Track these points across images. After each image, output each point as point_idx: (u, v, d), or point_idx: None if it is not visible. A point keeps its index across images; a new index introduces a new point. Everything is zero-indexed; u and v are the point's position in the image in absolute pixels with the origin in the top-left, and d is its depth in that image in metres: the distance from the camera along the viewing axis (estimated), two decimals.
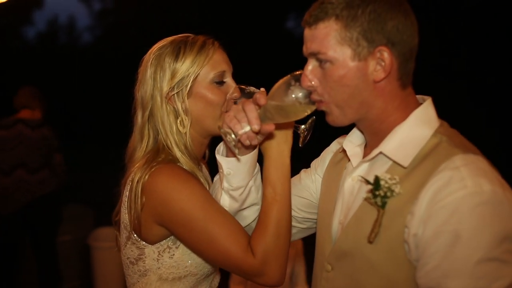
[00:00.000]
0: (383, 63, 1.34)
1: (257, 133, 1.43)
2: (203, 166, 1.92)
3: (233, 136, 1.41)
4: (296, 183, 1.79)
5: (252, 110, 1.41)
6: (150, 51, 1.77)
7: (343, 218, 1.49)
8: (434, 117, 1.42)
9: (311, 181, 1.79)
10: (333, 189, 1.60)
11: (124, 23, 16.88)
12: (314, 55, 1.39)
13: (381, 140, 1.43)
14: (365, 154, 1.54)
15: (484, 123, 10.25)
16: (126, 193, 1.71)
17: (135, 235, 1.70)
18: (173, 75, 1.71)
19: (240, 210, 1.62)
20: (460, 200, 1.21)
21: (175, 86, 1.71)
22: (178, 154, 1.71)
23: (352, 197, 1.49)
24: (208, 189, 1.73)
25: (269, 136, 1.54)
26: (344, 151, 1.61)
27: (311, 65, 1.41)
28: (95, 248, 5.06)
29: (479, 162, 1.28)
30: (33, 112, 4.75)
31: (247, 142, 1.44)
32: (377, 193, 1.34)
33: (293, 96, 1.39)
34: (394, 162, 1.38)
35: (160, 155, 1.70)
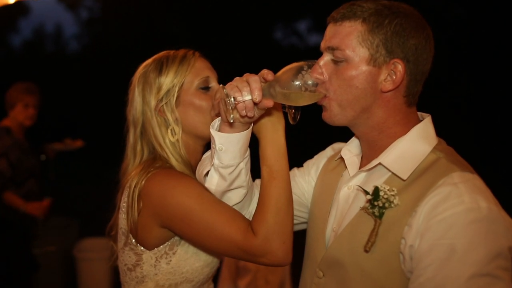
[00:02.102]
0: (394, 76, 1.38)
1: (255, 104, 1.43)
2: None
3: (232, 99, 1.41)
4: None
5: (256, 81, 1.41)
6: (136, 72, 1.83)
7: (337, 226, 1.51)
8: (433, 134, 1.47)
9: (304, 181, 1.80)
10: (328, 196, 1.62)
11: (111, 32, 16.85)
12: (332, 50, 1.42)
13: (378, 151, 1.47)
14: (361, 165, 1.56)
15: (469, 134, 10.36)
16: (124, 198, 1.75)
17: (133, 241, 1.72)
18: (159, 88, 1.76)
19: (226, 191, 1.61)
20: (458, 215, 1.24)
21: (163, 98, 1.76)
22: (174, 163, 1.75)
23: (346, 206, 1.51)
24: None
25: (263, 115, 1.54)
26: (340, 158, 1.63)
27: (325, 59, 1.44)
28: (80, 259, 5.02)
29: (476, 180, 1.33)
30: (14, 113, 4.35)
31: (243, 112, 1.43)
32: (375, 203, 1.37)
33: (302, 81, 1.40)
34: (393, 174, 1.41)
35: (157, 161, 1.74)
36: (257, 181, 1.79)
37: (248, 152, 1.60)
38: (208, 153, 1.70)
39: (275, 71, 1.46)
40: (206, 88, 1.79)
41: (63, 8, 18.23)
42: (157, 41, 14.03)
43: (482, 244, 1.22)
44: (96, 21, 18.77)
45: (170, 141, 1.77)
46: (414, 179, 1.37)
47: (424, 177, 1.36)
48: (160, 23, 15.44)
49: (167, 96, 1.77)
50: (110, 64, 14.95)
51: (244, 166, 1.58)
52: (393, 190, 1.36)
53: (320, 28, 16.77)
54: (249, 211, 1.71)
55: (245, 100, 1.41)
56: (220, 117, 1.56)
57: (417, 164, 1.39)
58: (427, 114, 1.52)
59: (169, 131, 1.77)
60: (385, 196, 1.36)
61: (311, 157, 1.89)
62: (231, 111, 1.41)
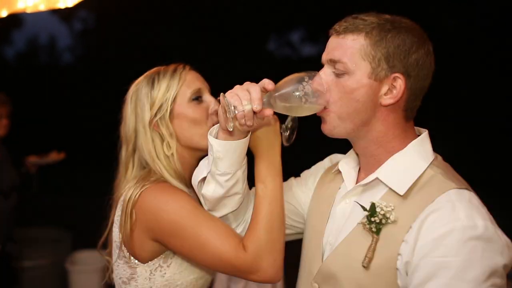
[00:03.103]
0: (394, 90, 1.40)
1: (255, 113, 1.44)
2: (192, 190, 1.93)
3: (232, 108, 1.41)
4: (287, 189, 1.79)
5: (257, 91, 1.43)
6: (129, 90, 1.86)
7: (333, 239, 1.52)
8: (430, 150, 1.48)
9: (301, 191, 1.81)
10: (325, 208, 1.63)
11: (105, 43, 16.85)
12: (334, 62, 1.43)
13: (375, 165, 1.48)
14: (359, 178, 1.58)
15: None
16: (117, 212, 1.76)
17: (127, 254, 1.73)
18: (152, 104, 1.78)
19: (223, 198, 1.62)
20: (454, 233, 1.25)
21: (157, 113, 1.78)
22: (168, 177, 1.77)
23: (343, 220, 1.52)
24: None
25: (263, 124, 1.56)
26: (338, 171, 1.65)
27: (326, 71, 1.46)
28: (72, 271, 4.98)
29: (472, 197, 1.34)
30: None
31: (243, 121, 1.44)
32: (372, 219, 1.37)
33: (302, 92, 1.41)
34: (390, 189, 1.41)
35: (151, 175, 1.76)
36: (254, 189, 1.79)
37: (245, 160, 1.60)
38: (205, 160, 1.70)
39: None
40: (198, 99, 1.81)
41: (57, 20, 18.21)
42: (151, 52, 14.05)
43: (478, 262, 1.23)
44: (90, 32, 18.76)
45: (165, 155, 1.78)
46: (410, 195, 1.38)
47: (421, 193, 1.37)
48: (155, 34, 15.46)
49: (160, 110, 1.78)
50: (104, 75, 14.94)
51: (241, 174, 1.59)
52: (390, 206, 1.37)
53: (313, 39, 16.84)
54: (245, 219, 1.73)
55: (245, 109, 1.42)
56: (217, 125, 1.56)
57: (414, 179, 1.40)
58: (424, 130, 1.53)
59: (164, 145, 1.78)
60: (382, 212, 1.36)
61: (309, 166, 1.90)
62: (231, 119, 1.42)
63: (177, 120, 1.80)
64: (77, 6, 3.11)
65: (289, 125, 1.63)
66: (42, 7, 2.89)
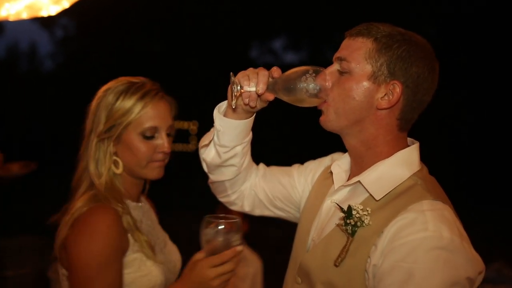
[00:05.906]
0: (391, 96, 1.46)
1: (258, 96, 1.53)
2: (144, 200, 1.98)
3: (238, 87, 1.52)
4: (286, 174, 1.90)
5: (265, 76, 1.53)
6: (99, 91, 1.84)
7: (316, 237, 1.59)
8: (417, 161, 1.53)
9: (298, 183, 1.88)
10: (315, 206, 1.70)
11: (86, 50, 16.75)
12: (340, 60, 1.51)
13: (363, 168, 1.54)
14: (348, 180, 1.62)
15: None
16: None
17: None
18: (108, 118, 1.77)
19: (220, 166, 1.76)
20: (419, 241, 1.30)
21: (107, 130, 1.77)
22: (103, 194, 1.77)
23: (326, 219, 1.59)
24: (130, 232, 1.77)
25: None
26: (331, 172, 1.70)
27: (333, 68, 1.54)
28: (55, 280, 4.93)
29: (445, 210, 1.39)
30: None
31: (246, 100, 1.54)
32: (348, 221, 1.42)
33: (304, 83, 1.49)
34: (369, 194, 1.47)
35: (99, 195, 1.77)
36: (261, 165, 1.92)
37: (248, 138, 1.71)
38: (213, 128, 1.78)
39: None
40: (148, 138, 1.80)
41: (37, 27, 18.05)
42: (133, 59, 13.99)
43: (440, 272, 1.27)
44: (71, 39, 18.62)
45: (107, 173, 1.80)
46: (388, 201, 1.43)
47: (397, 200, 1.42)
48: (136, 41, 15.41)
49: (110, 130, 1.78)
50: (85, 83, 14.84)
51: (241, 150, 1.70)
52: (366, 210, 1.41)
53: (295, 47, 16.92)
54: (240, 189, 1.86)
55: (250, 90, 1.52)
56: (226, 101, 1.66)
57: (393, 187, 1.45)
58: (416, 141, 1.58)
59: (110, 161, 1.80)
60: (357, 215, 1.41)
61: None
62: (234, 97, 1.52)
63: (122, 146, 1.79)
64: (58, 13, 3.10)
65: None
66: (25, 15, 2.88)
